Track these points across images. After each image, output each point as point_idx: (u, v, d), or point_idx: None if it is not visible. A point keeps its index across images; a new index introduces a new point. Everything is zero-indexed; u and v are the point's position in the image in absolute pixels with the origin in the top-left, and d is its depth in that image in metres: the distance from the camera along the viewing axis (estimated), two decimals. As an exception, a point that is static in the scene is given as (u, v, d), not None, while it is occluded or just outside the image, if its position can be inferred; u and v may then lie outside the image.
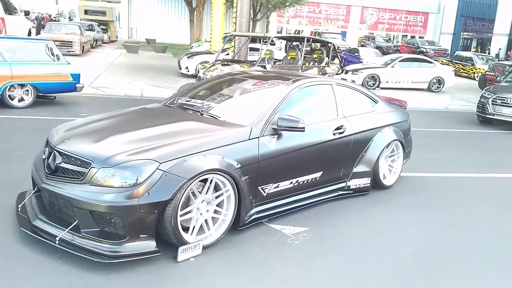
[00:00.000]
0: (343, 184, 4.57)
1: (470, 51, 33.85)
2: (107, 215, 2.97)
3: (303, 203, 4.14)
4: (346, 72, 15.23)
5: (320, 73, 10.11)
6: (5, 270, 2.88)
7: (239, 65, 9.33)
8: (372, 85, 15.02)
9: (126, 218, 2.92)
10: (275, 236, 3.62)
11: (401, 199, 4.82)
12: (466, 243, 3.87)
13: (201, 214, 3.30)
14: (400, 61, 15.85)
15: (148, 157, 3.05)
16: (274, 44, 18.74)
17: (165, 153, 3.12)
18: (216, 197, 3.38)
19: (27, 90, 8.00)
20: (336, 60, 11.10)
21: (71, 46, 17.73)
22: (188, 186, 3.09)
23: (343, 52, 23.62)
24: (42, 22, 25.91)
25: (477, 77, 19.95)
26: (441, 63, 18.53)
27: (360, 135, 4.60)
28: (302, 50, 10.16)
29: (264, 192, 3.72)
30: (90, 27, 24.24)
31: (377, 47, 29.04)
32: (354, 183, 4.65)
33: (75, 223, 3.05)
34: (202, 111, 3.96)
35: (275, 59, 11.99)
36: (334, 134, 4.28)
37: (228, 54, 12.86)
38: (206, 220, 3.34)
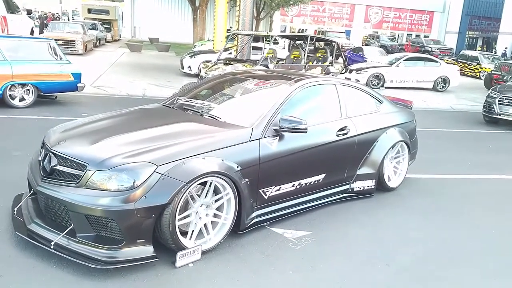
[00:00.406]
0: (347, 187, 4.47)
1: (475, 50, 33.60)
2: (103, 219, 2.88)
3: (306, 206, 4.04)
4: (350, 71, 15.11)
5: (324, 72, 10.00)
6: (-2, 276, 2.80)
7: (241, 64, 9.23)
8: (376, 84, 14.88)
9: (122, 223, 2.83)
10: (277, 240, 3.53)
11: (407, 201, 4.71)
12: (472, 247, 3.75)
13: (200, 218, 3.21)
14: (405, 60, 15.70)
15: (145, 160, 2.96)
16: (277, 43, 18.62)
17: (162, 156, 3.02)
18: (216, 201, 3.29)
19: (28, 90, 7.94)
20: (340, 59, 10.99)
21: (74, 45, 17.71)
22: (187, 190, 2.99)
23: (347, 51, 23.52)
24: (45, 21, 25.93)
25: (482, 76, 19.76)
26: (446, 62, 18.35)
27: (365, 136, 4.49)
28: (305, 49, 10.05)
29: (266, 195, 3.63)
30: (93, 26, 24.24)
31: (382, 46, 28.89)
32: (358, 185, 4.54)
33: (70, 227, 2.96)
34: (202, 111, 3.87)
35: (278, 58, 11.89)
36: (337, 135, 4.17)
37: (230, 53, 12.77)
38: (205, 224, 3.25)
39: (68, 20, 33.83)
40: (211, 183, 3.17)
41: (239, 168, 3.31)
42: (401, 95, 12.27)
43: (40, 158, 3.38)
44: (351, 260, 3.34)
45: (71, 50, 17.34)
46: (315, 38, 10.74)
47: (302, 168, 3.89)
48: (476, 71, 21.63)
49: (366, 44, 32.07)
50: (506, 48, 32.77)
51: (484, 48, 37.58)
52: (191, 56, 14.47)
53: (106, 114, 4.02)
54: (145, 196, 2.86)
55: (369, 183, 4.61)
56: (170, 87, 11.76)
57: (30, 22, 15.88)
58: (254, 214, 3.57)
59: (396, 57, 16.56)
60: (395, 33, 40.05)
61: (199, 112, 3.87)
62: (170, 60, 18.83)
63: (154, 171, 2.93)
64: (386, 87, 14.92)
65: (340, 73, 10.55)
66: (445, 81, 15.64)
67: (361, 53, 21.63)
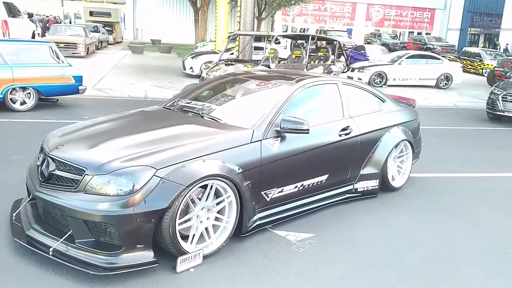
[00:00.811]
0: (350, 187, 4.40)
1: (478, 46, 33.40)
2: (102, 224, 2.83)
3: (309, 207, 3.98)
4: (353, 70, 15.04)
5: (326, 72, 9.93)
6: (-5, 283, 2.76)
7: (243, 65, 9.17)
8: (379, 82, 14.80)
9: (121, 228, 2.78)
10: (279, 243, 3.47)
11: (411, 201, 4.64)
12: (478, 247, 3.68)
13: (201, 222, 3.15)
14: (407, 58, 15.62)
15: (144, 163, 2.91)
16: (279, 43, 18.56)
17: (162, 159, 2.97)
18: (217, 204, 3.23)
19: (29, 93, 7.92)
20: (342, 58, 10.92)
21: (76, 48, 17.69)
22: (187, 193, 2.94)
23: (349, 49, 23.42)
24: (47, 24, 25.97)
25: (485, 73, 19.63)
26: (448, 59, 18.23)
27: (367, 135, 4.42)
28: (307, 49, 9.98)
29: (268, 197, 3.57)
30: (95, 28, 24.25)
31: (384, 44, 28.75)
32: (361, 185, 4.48)
33: (69, 233, 2.92)
34: (202, 113, 3.81)
35: (280, 58, 11.82)
36: (340, 135, 4.11)
37: (232, 53, 12.71)
38: (206, 228, 3.19)
39: (70, 23, 33.89)
40: (212, 186, 3.12)
41: (241, 170, 3.25)
42: (403, 93, 12.19)
43: (38, 163, 3.33)
44: (355, 262, 3.28)
45: (73, 53, 17.34)
46: (316, 37, 10.66)
47: (304, 169, 3.83)
48: (479, 67, 21.50)
49: (368, 43, 31.95)
50: (507, 44, 32.57)
51: (487, 45, 37.37)
52: (193, 57, 14.44)
53: (105, 117, 3.98)
54: (144, 200, 2.81)
55: (373, 183, 4.55)
56: (172, 88, 11.72)
57: (32, 26, 15.90)
58: (256, 217, 3.51)
59: (398, 55, 16.47)
60: (396, 31, 39.89)
61: (199, 114, 3.82)
62: (172, 61, 18.80)
63: (154, 174, 2.88)
64: (388, 85, 14.84)
65: (342, 72, 10.48)
66: (447, 78, 15.54)
67: (363, 51, 21.54)
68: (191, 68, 14.01)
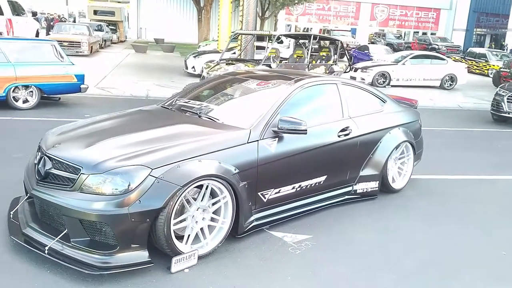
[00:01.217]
0: (349, 188, 4.37)
1: (484, 47, 33.17)
2: (97, 224, 2.82)
3: (307, 208, 3.96)
4: (356, 70, 14.97)
5: (328, 71, 9.90)
6: (-10, 281, 2.76)
7: (244, 64, 9.15)
8: (382, 82, 14.73)
9: (116, 228, 2.77)
10: (276, 244, 3.44)
11: (412, 203, 4.60)
12: (480, 251, 3.64)
13: (196, 222, 3.14)
14: (411, 58, 15.54)
15: (139, 163, 2.90)
16: (282, 43, 18.53)
17: (157, 159, 2.96)
18: (213, 204, 3.21)
19: (31, 91, 7.94)
20: (345, 58, 10.87)
21: (80, 47, 17.74)
22: (182, 193, 2.93)
23: (353, 49, 23.35)
24: (51, 23, 26.07)
25: (491, 74, 19.50)
26: (453, 60, 18.13)
27: (367, 136, 4.39)
28: (308, 48, 9.95)
29: (265, 198, 3.55)
30: (99, 27, 24.30)
31: (388, 44, 28.64)
32: (361, 187, 4.45)
33: (64, 232, 2.91)
34: (200, 113, 3.80)
35: (281, 57, 11.79)
36: (339, 136, 4.08)
37: (234, 53, 12.70)
38: (202, 229, 3.18)
39: (74, 21, 33.98)
40: (207, 186, 3.10)
41: (237, 170, 3.23)
42: (407, 94, 12.13)
43: (35, 161, 3.33)
44: (352, 265, 3.25)
45: (76, 52, 17.39)
46: (318, 37, 10.62)
47: (302, 170, 3.80)
48: (484, 68, 21.37)
49: (372, 42, 31.84)
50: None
51: (492, 45, 37.13)
52: (195, 56, 14.44)
53: (103, 116, 3.97)
54: (139, 200, 2.79)
55: (373, 185, 4.51)
56: (174, 87, 11.71)
57: (36, 24, 15.95)
58: (253, 218, 3.49)
59: (402, 55, 16.38)
60: (401, 31, 39.72)
61: (197, 114, 3.80)
62: (175, 61, 18.81)
63: (149, 174, 2.86)
64: (392, 86, 14.77)
65: (344, 72, 10.44)
66: (452, 79, 15.45)
67: (367, 51, 21.46)
68: (193, 67, 14.01)
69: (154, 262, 2.91)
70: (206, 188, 3.11)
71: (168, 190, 2.86)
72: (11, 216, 3.35)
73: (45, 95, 8.22)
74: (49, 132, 3.65)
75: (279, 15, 32.93)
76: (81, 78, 8.46)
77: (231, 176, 3.18)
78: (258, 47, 13.26)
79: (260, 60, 9.65)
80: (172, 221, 2.93)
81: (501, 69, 17.03)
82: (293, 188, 3.76)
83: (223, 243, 3.29)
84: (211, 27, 26.70)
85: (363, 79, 14.51)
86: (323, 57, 10.66)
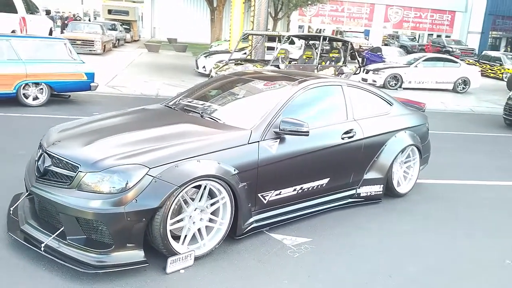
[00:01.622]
0: (353, 192, 4.31)
1: (499, 50, 32.60)
2: (93, 222, 2.82)
3: (308, 211, 3.90)
4: (367, 72, 14.84)
5: (337, 73, 9.81)
6: (-14, 277, 2.77)
7: (252, 65, 9.12)
8: (394, 85, 14.57)
9: (111, 226, 2.76)
10: (275, 247, 3.40)
11: (417, 208, 4.51)
12: (485, 258, 3.54)
13: (193, 222, 3.11)
14: (424, 60, 15.32)
15: (137, 162, 2.88)
16: (293, 43, 18.46)
17: (155, 158, 2.94)
18: (211, 205, 3.18)
19: (42, 89, 8.02)
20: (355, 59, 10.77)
21: (93, 45, 17.92)
22: (179, 193, 2.90)
23: (365, 51, 23.16)
24: (66, 22, 26.39)
25: (505, 77, 19.15)
26: (467, 63, 17.86)
27: (372, 139, 4.32)
28: (318, 49, 9.87)
29: (265, 199, 3.51)
30: (113, 26, 24.52)
31: (402, 46, 28.37)
32: (364, 190, 4.38)
33: (61, 229, 2.91)
34: (202, 113, 3.77)
35: (291, 58, 11.73)
36: (343, 138, 4.02)
37: (245, 53, 12.69)
38: (199, 229, 3.15)
39: (89, 20, 34.36)
40: (205, 186, 3.07)
41: (236, 171, 3.20)
42: (419, 97, 11.98)
43: (36, 158, 3.34)
44: (351, 270, 3.19)
45: (89, 50, 17.57)
46: (328, 38, 10.53)
47: (304, 172, 3.75)
48: (499, 72, 21.00)
49: (386, 44, 31.55)
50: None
51: (509, 49, 36.46)
52: (205, 56, 14.47)
53: (106, 114, 3.97)
54: (135, 199, 2.78)
55: (377, 188, 4.44)
56: (184, 87, 11.72)
57: (49, 23, 16.12)
58: (252, 219, 3.45)
59: (415, 57, 16.18)
60: (415, 33, 39.26)
61: (199, 113, 3.77)
62: (187, 60, 18.87)
63: (146, 173, 2.84)
64: (404, 88, 14.59)
65: (354, 74, 10.33)
66: (465, 82, 15.21)
67: (380, 53, 21.26)
68: (204, 67, 14.03)
69: (150, 262, 2.89)
70: (204, 189, 3.08)
71: (165, 190, 2.84)
72: (11, 212, 3.36)
73: (55, 93, 8.30)
74: (51, 129, 3.66)
75: (292, 16, 32.82)
76: (91, 76, 8.53)
77: (230, 177, 3.14)
78: (269, 48, 13.22)
79: (270, 60, 9.60)
80: (169, 221, 2.90)
81: (516, 73, 16.72)
82: (295, 190, 3.71)
83: (221, 244, 3.25)
84: (224, 27, 26.74)
85: (374, 81, 14.37)
86: (333, 59, 10.57)
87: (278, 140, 3.51)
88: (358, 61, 10.82)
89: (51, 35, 15.64)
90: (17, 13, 12.21)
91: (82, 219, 2.82)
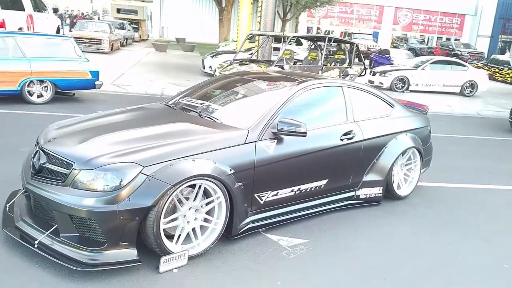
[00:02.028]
0: (352, 193, 4.27)
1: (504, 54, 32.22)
2: (86, 220, 2.81)
3: (306, 212, 3.87)
4: (374, 74, 14.76)
5: (342, 74, 9.75)
6: (-22, 273, 2.77)
7: (257, 65, 9.10)
8: (401, 87, 14.47)
9: (104, 225, 2.75)
10: (270, 248, 3.37)
11: (416, 211, 4.46)
12: (482, 263, 3.49)
13: (188, 222, 3.09)
14: (431, 63, 15.20)
15: (131, 160, 2.87)
16: (301, 44, 18.41)
17: (150, 156, 2.93)
18: (206, 204, 3.16)
19: (46, 86, 8.06)
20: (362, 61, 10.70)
21: (100, 44, 18.01)
22: (173, 193, 2.89)
23: (373, 53, 23.02)
24: (74, 20, 26.59)
25: (514, 81, 18.97)
26: (476, 67, 17.68)
27: (372, 141, 4.27)
28: (323, 51, 9.82)
29: (261, 200, 3.48)
30: (121, 25, 24.64)
31: (410, 49, 28.16)
32: (364, 192, 4.33)
33: (54, 227, 2.91)
34: (200, 112, 3.76)
35: (296, 59, 11.69)
36: (342, 139, 3.98)
37: (252, 53, 12.69)
38: (194, 229, 3.13)
39: (98, 19, 34.58)
40: (200, 186, 3.05)
41: (232, 171, 3.17)
42: (425, 99, 11.89)
43: (32, 155, 3.35)
44: (346, 272, 3.15)
45: (97, 49, 17.66)
46: (333, 39, 10.48)
47: (302, 173, 3.72)
48: (508, 76, 20.79)
49: (395, 47, 31.36)
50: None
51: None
52: (212, 56, 14.48)
53: (103, 112, 3.97)
54: (129, 197, 2.77)
55: (376, 191, 4.40)
56: (189, 86, 11.75)
57: (57, 21, 16.23)
58: (248, 219, 3.43)
59: (422, 60, 16.06)
60: (424, 35, 39.00)
61: (197, 113, 3.76)
62: (194, 60, 18.90)
63: (140, 172, 2.83)
64: (411, 91, 14.49)
65: (359, 75, 10.26)
66: (472, 85, 15.05)
67: (388, 55, 21.12)
68: (210, 67, 14.04)
69: (143, 261, 2.88)
70: (199, 188, 3.06)
71: (158, 189, 2.82)
72: (7, 208, 3.37)
73: (60, 90, 8.34)
74: (49, 126, 3.66)
75: (301, 17, 32.77)
76: (95, 74, 8.55)
77: (225, 177, 3.12)
78: (275, 49, 13.19)
79: (273, 61, 9.57)
80: (162, 220, 2.89)
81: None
82: (292, 191, 3.69)
83: (216, 244, 3.23)
84: (232, 27, 26.74)
85: (381, 83, 14.28)
86: (338, 60, 10.52)
87: (276, 140, 3.48)
88: (363, 63, 10.75)
89: (59, 33, 15.75)
90: (24, 10, 12.30)
91: (75, 216, 2.82)
